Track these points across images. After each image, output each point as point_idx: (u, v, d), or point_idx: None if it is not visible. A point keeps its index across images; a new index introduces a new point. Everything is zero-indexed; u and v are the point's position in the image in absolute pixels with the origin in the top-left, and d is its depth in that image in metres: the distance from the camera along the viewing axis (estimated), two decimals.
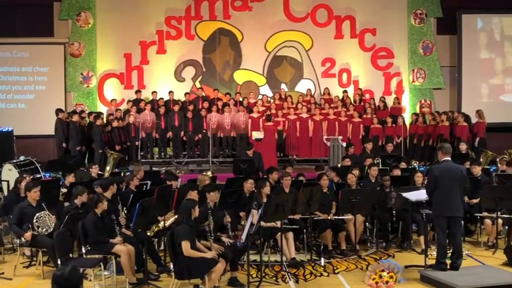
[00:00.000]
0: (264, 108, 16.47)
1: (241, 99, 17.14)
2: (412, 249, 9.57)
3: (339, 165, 12.51)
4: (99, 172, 12.07)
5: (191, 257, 6.92)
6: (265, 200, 8.76)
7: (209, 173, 11.85)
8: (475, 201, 10.03)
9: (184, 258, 6.91)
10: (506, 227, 9.83)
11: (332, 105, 16.80)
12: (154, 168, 13.81)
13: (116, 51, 18.38)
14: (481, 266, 8.64)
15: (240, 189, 9.57)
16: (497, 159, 13.04)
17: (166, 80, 18.37)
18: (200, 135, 16.05)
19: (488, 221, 9.71)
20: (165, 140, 16.33)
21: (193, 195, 8.12)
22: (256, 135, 15.07)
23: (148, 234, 8.34)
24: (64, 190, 10.27)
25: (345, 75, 18.58)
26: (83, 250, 7.67)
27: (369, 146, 13.94)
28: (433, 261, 8.13)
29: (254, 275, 8.11)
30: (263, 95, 17.82)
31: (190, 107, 16.30)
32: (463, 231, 9.36)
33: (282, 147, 16.17)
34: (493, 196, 9.35)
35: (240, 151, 15.96)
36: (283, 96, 17.50)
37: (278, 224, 8.39)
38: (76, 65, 18.21)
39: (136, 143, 15.67)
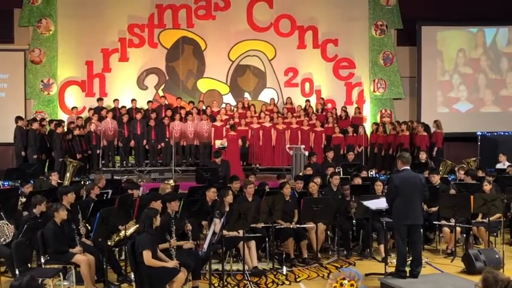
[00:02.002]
0: (227, 117, 16.48)
1: (204, 107, 17.12)
2: (373, 257, 9.69)
3: (301, 173, 12.60)
4: (59, 181, 11.89)
5: (152, 266, 6.87)
6: (227, 208, 8.77)
7: (171, 182, 11.79)
8: (433, 209, 10.22)
9: (145, 268, 6.85)
10: (464, 235, 10.05)
11: (295, 115, 16.91)
12: (115, 177, 13.69)
13: (78, 59, 18.16)
14: (439, 273, 8.79)
15: (203, 197, 9.56)
16: (456, 169, 13.34)
17: (128, 88, 18.22)
18: (163, 144, 15.96)
19: (446, 229, 9.91)
20: (127, 149, 16.19)
21: (156, 204, 8.07)
22: (219, 143, 15.07)
23: (109, 243, 8.24)
24: (23, 199, 10.08)
25: (307, 85, 18.74)
26: (42, 260, 7.54)
27: (330, 155, 14.11)
28: (393, 269, 8.24)
29: (216, 284, 8.09)
30: (226, 104, 17.84)
31: (153, 115, 16.20)
32: (423, 239, 9.51)
33: (245, 156, 16.20)
34: (451, 205, 9.55)
35: (203, 160, 15.95)
36: (246, 105, 17.55)
37: (240, 233, 8.40)
38: (36, 72, 17.93)
39: (98, 152, 15.48)
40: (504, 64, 18.41)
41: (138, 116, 16.14)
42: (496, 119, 18.08)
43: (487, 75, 18.50)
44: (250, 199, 9.41)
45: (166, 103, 17.51)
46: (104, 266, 7.84)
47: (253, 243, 8.76)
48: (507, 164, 13.69)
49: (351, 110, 17.97)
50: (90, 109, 16.83)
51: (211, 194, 9.48)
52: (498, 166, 13.83)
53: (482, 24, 18.39)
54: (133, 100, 17.16)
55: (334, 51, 18.72)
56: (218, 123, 16.09)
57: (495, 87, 18.44)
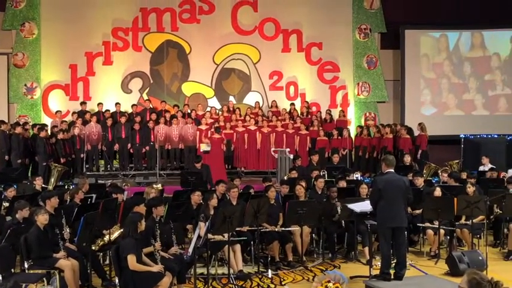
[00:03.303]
0: (212, 121, 16.46)
1: (189, 111, 17.10)
2: (358, 259, 9.72)
3: (285, 177, 12.63)
4: (43, 185, 11.81)
5: (137, 271, 6.84)
6: (212, 212, 8.77)
7: (159, 186, 11.76)
8: (417, 212, 10.29)
9: (129, 273, 6.82)
10: (448, 237, 10.13)
11: (280, 118, 16.95)
12: (100, 181, 13.62)
13: (61, 62, 18.07)
14: (424, 275, 8.85)
15: (188, 201, 9.55)
16: (439, 171, 13.44)
17: (112, 91, 18.15)
18: (147, 148, 15.91)
19: (430, 232, 9.97)
20: (112, 152, 16.12)
21: (140, 208, 8.05)
22: (204, 147, 15.05)
23: (93, 248, 8.20)
24: (6, 204, 9.99)
25: (292, 88, 18.79)
26: (26, 265, 7.47)
27: (315, 158, 14.17)
28: (378, 272, 8.28)
29: None
30: (211, 107, 17.82)
31: (137, 119, 16.16)
32: (407, 241, 9.57)
33: (230, 159, 16.21)
34: (434, 207, 9.62)
35: (188, 163, 15.92)
36: (231, 109, 17.55)
37: (225, 236, 8.39)
38: (20, 76, 17.81)
39: (82, 156, 15.41)
40: (467, 69, 18.58)
41: (123, 119, 16.09)
42: (480, 121, 18.27)
43: (450, 79, 18.67)
44: (234, 203, 9.42)
45: (151, 107, 17.46)
46: (88, 271, 7.79)
47: (238, 247, 8.76)
48: (489, 166, 13.82)
49: (336, 113, 18.04)
50: (74, 113, 16.74)
51: (196, 197, 9.48)
52: (481, 168, 13.95)
53: (463, 28, 18.56)
54: (117, 104, 17.10)
55: (318, 54, 18.80)
56: (203, 127, 16.07)
57: (458, 91, 18.63)
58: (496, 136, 16.74)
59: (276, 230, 9.40)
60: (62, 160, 14.53)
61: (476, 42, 18.70)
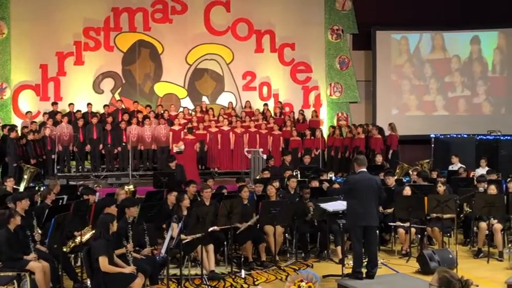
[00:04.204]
0: (185, 121, 16.41)
1: (162, 111, 17.02)
2: (330, 259, 9.79)
3: (257, 177, 12.67)
4: (15, 186, 11.64)
5: (109, 272, 6.79)
6: (185, 213, 8.75)
7: (130, 187, 11.68)
8: (389, 211, 10.40)
9: (101, 274, 6.77)
10: (419, 236, 10.26)
11: (253, 118, 16.98)
12: (71, 183, 13.47)
13: (32, 62, 17.82)
14: (395, 274, 8.95)
15: (161, 202, 9.51)
16: (410, 171, 13.60)
17: (84, 91, 17.96)
18: (119, 148, 15.79)
19: (401, 230, 10.09)
20: (83, 153, 15.97)
21: (111, 210, 7.99)
22: (177, 148, 15.00)
23: (65, 249, 8.11)
24: None
25: (265, 89, 18.82)
26: None
27: (288, 158, 14.25)
28: (350, 271, 8.35)
29: None
30: (184, 108, 17.75)
31: (109, 120, 16.03)
32: (378, 240, 9.67)
33: (203, 159, 16.17)
34: (405, 206, 9.75)
35: (161, 164, 15.84)
36: (204, 109, 17.51)
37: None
38: None
39: (53, 157, 15.22)
40: (428, 70, 18.86)
41: (94, 120, 15.94)
42: (447, 121, 18.54)
43: (411, 81, 18.93)
44: (207, 203, 9.41)
45: (123, 107, 17.32)
46: (60, 273, 7.71)
47: (211, 247, 8.76)
48: (459, 165, 14.02)
49: (308, 114, 18.13)
50: (44, 113, 16.52)
51: (173, 197, 9.46)
52: (451, 168, 14.15)
53: (435, 29, 18.81)
54: (89, 104, 16.93)
55: (291, 55, 18.87)
56: (176, 127, 16.01)
57: (419, 92, 18.91)
58: (465, 136, 16.99)
59: (248, 223, 9.37)
60: (33, 161, 14.32)
61: (437, 44, 18.93)
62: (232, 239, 9.19)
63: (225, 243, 9.30)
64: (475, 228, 10.34)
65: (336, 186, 10.70)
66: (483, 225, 9.88)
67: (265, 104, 18.12)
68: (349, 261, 8.73)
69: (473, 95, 18.89)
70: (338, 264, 9.15)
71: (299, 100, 18.86)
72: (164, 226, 8.88)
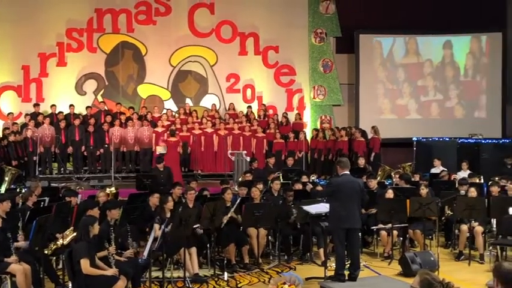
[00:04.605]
0: (168, 123, 16.38)
1: (145, 113, 16.95)
2: (313, 261, 9.81)
3: (240, 179, 12.67)
4: None
5: (90, 275, 6.75)
6: (168, 215, 8.72)
7: (112, 189, 11.62)
8: (373, 211, 10.37)
9: (83, 277, 6.72)
10: (401, 238, 10.32)
11: (237, 120, 16.98)
12: (53, 184, 13.38)
13: (14, 63, 17.65)
14: (377, 276, 9.00)
15: (144, 204, 9.47)
16: (392, 173, 13.69)
17: (66, 93, 17.82)
18: (102, 150, 15.71)
19: (384, 233, 10.13)
20: (65, 155, 15.85)
21: (93, 212, 7.94)
22: (160, 149, 14.94)
23: (46, 252, 8.04)
24: None
25: (249, 91, 18.83)
26: None
27: (272, 160, 14.26)
28: (333, 273, 8.38)
29: None
30: (167, 110, 17.72)
31: (92, 121, 15.94)
32: (361, 242, 9.71)
33: (186, 162, 16.14)
34: (388, 209, 9.80)
35: (143, 166, 15.79)
36: (188, 111, 17.49)
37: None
38: None
39: (34, 158, 15.09)
40: (401, 74, 19.00)
41: (76, 121, 15.84)
42: (432, 125, 18.69)
43: (385, 84, 19.07)
44: (191, 205, 9.38)
45: (106, 108, 17.24)
46: (41, 276, 7.64)
47: (194, 250, 8.73)
48: (441, 168, 14.13)
49: (292, 116, 18.19)
50: (26, 115, 16.38)
51: (155, 199, 9.42)
52: (433, 171, 14.25)
53: (417, 33, 18.95)
54: (71, 106, 16.82)
55: (275, 58, 18.91)
56: (159, 129, 15.96)
57: (392, 96, 19.04)
58: (447, 139, 17.13)
59: (229, 215, 9.36)
60: (14, 163, 14.19)
61: (411, 49, 19.08)
62: (215, 242, 9.18)
63: (208, 245, 9.28)
64: (456, 231, 10.42)
65: (319, 188, 10.73)
66: (464, 228, 9.96)
67: (249, 107, 18.14)
68: (332, 264, 8.74)
69: (446, 99, 19.06)
70: (321, 266, 9.17)
71: (283, 103, 18.91)
72: (147, 229, 8.84)
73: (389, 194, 10.40)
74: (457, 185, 11.77)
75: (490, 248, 9.92)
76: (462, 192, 10.82)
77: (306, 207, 9.12)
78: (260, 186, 10.67)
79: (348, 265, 8.31)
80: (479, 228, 9.87)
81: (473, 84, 19.09)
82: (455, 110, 19.06)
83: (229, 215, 9.36)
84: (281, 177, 12.67)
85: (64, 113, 16.49)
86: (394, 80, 19.10)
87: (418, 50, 19.10)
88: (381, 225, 10.15)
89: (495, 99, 18.84)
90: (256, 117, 17.61)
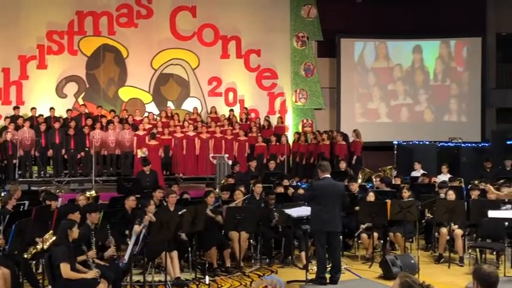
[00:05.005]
0: (150, 126, 16.31)
1: (126, 116, 16.87)
2: (294, 264, 9.82)
3: (221, 182, 12.67)
4: None
5: (70, 279, 6.69)
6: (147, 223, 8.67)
7: (92, 192, 11.54)
8: (356, 208, 10.37)
9: (63, 281, 6.67)
10: (382, 241, 10.38)
11: (218, 124, 16.97)
12: (33, 188, 13.24)
13: None
14: (358, 279, 9.05)
15: (124, 208, 9.42)
16: (373, 177, 13.77)
17: (47, 96, 17.71)
18: (83, 153, 15.59)
19: (364, 236, 10.20)
20: (45, 158, 15.71)
21: (74, 216, 7.88)
22: (141, 153, 14.87)
23: (26, 256, 7.96)
24: None
25: (231, 95, 18.84)
26: None
27: (253, 164, 14.29)
28: (314, 276, 8.40)
29: None
30: (149, 113, 17.66)
31: (72, 124, 15.81)
32: (342, 245, 9.75)
33: (168, 165, 16.08)
34: (368, 212, 9.86)
35: (124, 169, 15.71)
36: (169, 114, 17.43)
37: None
38: None
39: (14, 161, 14.94)
40: (371, 79, 19.14)
41: (57, 125, 15.70)
42: (411, 129, 18.84)
43: (357, 89, 19.21)
44: (172, 209, 9.36)
45: (87, 112, 17.12)
46: (20, 280, 7.56)
47: (175, 253, 8.70)
48: (421, 172, 14.25)
49: (274, 120, 18.23)
50: (6, 118, 16.20)
51: (131, 202, 9.39)
52: (413, 174, 14.37)
53: (398, 37, 19.09)
54: (51, 109, 16.68)
55: (257, 61, 18.93)
56: (140, 132, 15.88)
57: (363, 100, 19.19)
58: (427, 143, 17.29)
59: (207, 211, 9.36)
60: None
61: (381, 53, 19.23)
62: (197, 245, 9.16)
63: (190, 249, 9.26)
64: (436, 234, 10.50)
65: (301, 191, 10.76)
66: (444, 230, 10.05)
67: (231, 110, 18.13)
68: (313, 267, 8.78)
69: (415, 103, 19.23)
70: (302, 269, 9.19)
71: (265, 106, 18.93)
72: (127, 232, 8.79)
73: (371, 197, 10.47)
74: (437, 188, 11.87)
75: (470, 250, 10.01)
76: (442, 195, 10.92)
77: (287, 211, 9.14)
78: (243, 189, 10.69)
79: (329, 268, 8.34)
80: (458, 231, 9.97)
81: (442, 89, 19.27)
82: (425, 113, 19.24)
83: (207, 211, 9.36)
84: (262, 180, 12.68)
85: (44, 116, 16.34)
86: (365, 84, 19.23)
87: (388, 54, 19.22)
88: (362, 226, 10.20)
89: (474, 103, 19.04)
90: (238, 121, 17.62)
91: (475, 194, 10.84)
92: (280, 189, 11.12)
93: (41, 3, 17.80)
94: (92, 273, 6.90)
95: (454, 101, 19.19)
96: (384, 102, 19.19)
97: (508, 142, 17.18)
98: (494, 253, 9.76)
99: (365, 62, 19.21)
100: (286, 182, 12.14)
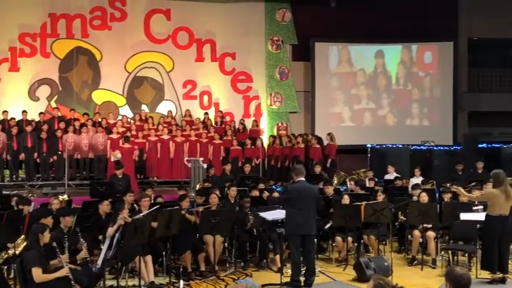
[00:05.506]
0: (123, 129, 16.19)
1: (99, 119, 16.73)
2: (269, 268, 9.82)
3: (198, 186, 12.62)
4: None
5: (43, 283, 6.61)
6: (122, 222, 8.60)
7: (65, 196, 11.42)
8: (331, 210, 10.43)
9: (35, 285, 6.58)
10: (356, 244, 10.45)
11: (193, 127, 16.91)
12: (4, 192, 13.05)
13: None
14: (332, 282, 9.09)
15: (97, 212, 9.34)
16: (347, 180, 13.85)
17: (19, 99, 17.48)
18: (55, 157, 15.40)
19: (339, 239, 10.25)
20: (17, 162, 15.49)
21: (47, 221, 7.78)
22: (114, 156, 14.75)
23: None
24: None
25: (206, 98, 18.80)
26: None
27: (228, 167, 14.27)
28: (289, 279, 8.42)
29: None
30: (123, 116, 17.53)
31: (45, 128, 15.61)
32: (316, 248, 9.79)
33: (142, 169, 15.97)
34: (343, 214, 9.91)
35: (98, 173, 15.56)
36: (143, 118, 17.34)
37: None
38: None
39: None
40: (335, 83, 19.30)
41: (29, 128, 15.48)
42: (387, 131, 19.01)
43: (337, 92, 19.36)
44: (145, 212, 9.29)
45: (59, 115, 16.92)
46: None
47: (149, 258, 8.63)
48: (395, 174, 14.38)
49: (249, 123, 18.25)
50: None
51: (105, 207, 9.30)
52: (386, 177, 14.48)
53: (372, 42, 19.26)
54: (24, 112, 16.46)
55: (232, 64, 18.94)
56: (114, 136, 15.75)
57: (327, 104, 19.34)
58: (400, 146, 17.45)
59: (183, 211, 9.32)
60: None
61: (344, 58, 19.38)
62: (171, 249, 9.11)
63: (164, 253, 9.20)
64: (409, 236, 10.60)
65: (276, 195, 10.78)
66: (417, 233, 10.14)
67: (206, 113, 18.10)
68: (288, 270, 8.79)
69: (378, 107, 19.43)
70: (277, 273, 9.20)
71: (240, 109, 18.95)
72: (100, 237, 8.71)
73: (346, 199, 10.52)
74: (410, 190, 11.98)
75: (442, 253, 10.12)
76: (415, 198, 11.02)
77: (262, 214, 9.15)
78: (217, 191, 10.67)
79: (304, 271, 8.36)
80: (431, 234, 10.07)
81: (404, 93, 19.48)
82: (387, 118, 19.43)
83: (184, 213, 9.33)
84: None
85: (16, 119, 16.13)
86: (328, 87, 19.31)
87: (351, 59, 19.38)
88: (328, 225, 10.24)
89: (446, 107, 19.29)
90: (213, 124, 17.59)
91: (447, 196, 10.96)
92: (256, 193, 11.12)
93: (13, 5, 17.57)
94: (63, 271, 6.81)
95: (416, 105, 19.44)
96: (347, 106, 19.33)
97: (480, 145, 17.44)
98: (466, 255, 9.89)
99: (329, 66, 19.30)
100: (261, 186, 12.15)
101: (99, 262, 7.48)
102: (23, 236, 8.33)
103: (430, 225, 10.08)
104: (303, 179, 8.45)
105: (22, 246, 8.19)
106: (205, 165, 14.66)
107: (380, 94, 19.41)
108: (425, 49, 19.42)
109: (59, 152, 15.36)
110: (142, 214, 8.92)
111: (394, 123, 19.38)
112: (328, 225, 10.25)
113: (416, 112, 19.44)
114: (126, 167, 14.31)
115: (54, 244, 7.03)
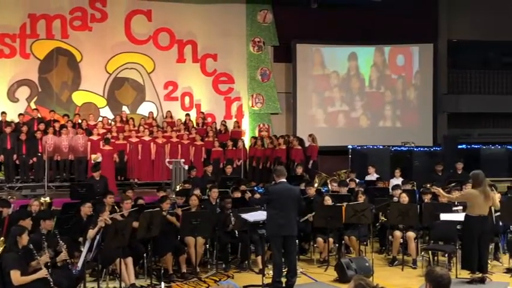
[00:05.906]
0: (104, 131, 16.08)
1: (80, 121, 16.59)
2: (251, 269, 9.83)
3: (178, 186, 12.59)
4: None
5: (21, 285, 6.54)
6: (103, 224, 8.54)
7: (47, 198, 11.30)
8: (310, 215, 10.46)
9: None
10: (337, 245, 10.49)
11: (175, 129, 16.85)
12: None
13: None
14: (314, 283, 9.12)
15: (78, 214, 9.26)
16: (328, 180, 13.91)
17: None
18: (35, 159, 15.24)
19: (320, 239, 10.28)
20: None
21: (25, 223, 7.70)
22: (95, 158, 14.65)
23: None
24: None
25: (187, 99, 18.74)
26: None
27: (209, 169, 14.25)
28: (270, 281, 8.42)
29: None
30: (103, 117, 17.40)
31: (24, 129, 15.45)
32: (298, 249, 9.81)
33: (122, 170, 15.87)
34: (324, 215, 9.95)
35: (78, 175, 15.43)
36: (124, 119, 17.23)
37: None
38: None
39: None
40: (311, 86, 19.38)
41: (8, 129, 15.31)
42: (366, 133, 19.11)
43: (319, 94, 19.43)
44: (126, 214, 9.24)
45: (39, 116, 16.74)
46: None
47: (130, 260, 8.58)
48: (375, 175, 14.47)
49: (230, 124, 18.23)
50: None
51: (87, 209, 9.22)
52: (367, 178, 14.56)
53: (354, 43, 19.35)
54: (3, 113, 16.25)
55: (213, 66, 18.90)
56: (95, 137, 15.63)
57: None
58: (381, 147, 17.56)
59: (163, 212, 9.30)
60: None
61: (317, 60, 19.46)
62: (152, 251, 9.07)
63: (145, 255, 9.16)
64: (390, 237, 10.67)
65: (257, 196, 10.79)
66: (397, 233, 10.22)
67: (187, 115, 18.04)
68: (270, 271, 8.79)
69: (351, 110, 19.52)
70: (258, 274, 9.20)
71: (221, 111, 18.91)
72: (81, 239, 8.65)
73: (327, 200, 10.55)
74: (390, 191, 12.05)
75: (422, 253, 10.20)
76: (395, 198, 11.10)
77: (244, 215, 9.15)
78: (198, 192, 10.66)
79: (285, 272, 8.37)
80: (411, 234, 10.15)
81: (377, 95, 19.59)
82: (361, 120, 19.53)
83: (165, 215, 9.30)
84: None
85: None
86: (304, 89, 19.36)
87: (324, 61, 19.46)
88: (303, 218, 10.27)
89: (426, 108, 19.45)
90: (195, 125, 17.54)
91: (427, 197, 11.05)
92: (237, 194, 11.11)
93: None
94: (41, 273, 6.74)
95: (389, 107, 19.56)
96: (321, 108, 19.41)
97: (459, 146, 17.62)
98: (446, 255, 9.98)
99: (310, 67, 19.32)
100: (243, 187, 12.13)
101: (80, 264, 7.42)
102: (2, 238, 8.24)
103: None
104: (285, 180, 8.47)
105: (1, 248, 8.10)
106: (186, 167, 14.61)
107: (353, 96, 19.49)
108: (398, 51, 19.55)
109: (39, 154, 15.21)
110: (120, 213, 8.87)
111: (367, 125, 19.47)
112: (306, 217, 10.26)
113: (389, 114, 19.57)
114: (106, 169, 14.25)
115: (31, 246, 6.96)
